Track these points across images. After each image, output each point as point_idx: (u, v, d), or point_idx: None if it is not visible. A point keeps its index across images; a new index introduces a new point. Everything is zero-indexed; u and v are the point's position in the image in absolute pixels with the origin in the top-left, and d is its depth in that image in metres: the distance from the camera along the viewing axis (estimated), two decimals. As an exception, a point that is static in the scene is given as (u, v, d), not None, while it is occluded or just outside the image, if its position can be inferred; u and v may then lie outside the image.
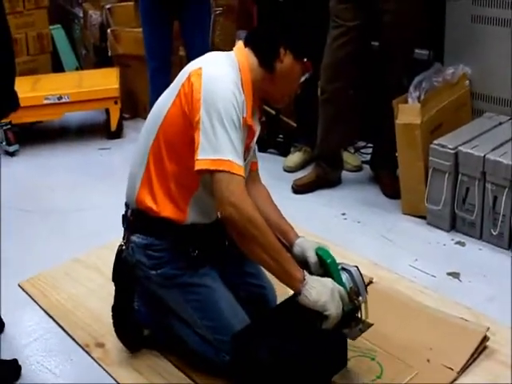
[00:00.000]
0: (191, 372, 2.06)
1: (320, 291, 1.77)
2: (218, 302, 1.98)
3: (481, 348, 2.11)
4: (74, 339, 2.27)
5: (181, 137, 1.86)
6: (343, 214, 3.11)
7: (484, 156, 2.74)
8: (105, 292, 2.37)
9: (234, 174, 1.74)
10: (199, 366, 2.05)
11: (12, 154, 3.94)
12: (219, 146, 1.74)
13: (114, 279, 2.12)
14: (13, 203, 3.23)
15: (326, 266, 1.88)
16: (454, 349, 2.10)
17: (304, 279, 1.78)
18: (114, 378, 2.08)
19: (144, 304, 2.13)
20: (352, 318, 1.88)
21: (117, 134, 4.17)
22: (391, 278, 2.54)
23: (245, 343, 1.88)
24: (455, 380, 2.00)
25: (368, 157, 3.58)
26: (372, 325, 1.90)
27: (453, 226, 2.92)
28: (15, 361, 2.12)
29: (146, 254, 1.99)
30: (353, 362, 2.06)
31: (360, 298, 1.86)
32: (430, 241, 2.86)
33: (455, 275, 2.59)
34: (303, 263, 1.91)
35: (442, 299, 2.40)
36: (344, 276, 1.86)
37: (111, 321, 2.15)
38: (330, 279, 1.82)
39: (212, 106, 1.76)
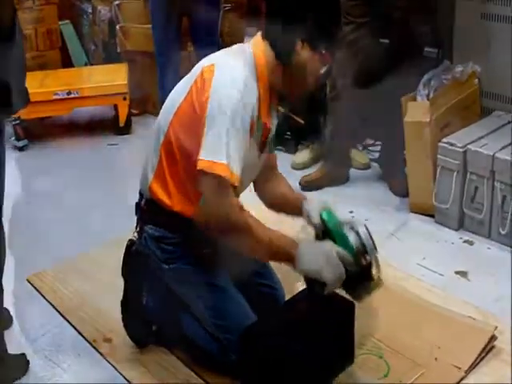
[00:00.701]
0: (198, 369, 2.07)
1: (312, 259, 1.75)
2: (228, 302, 1.99)
3: (488, 347, 2.11)
4: (81, 334, 2.28)
5: (190, 133, 1.85)
6: (351, 212, 3.10)
7: (493, 155, 2.73)
8: (113, 287, 2.37)
9: (224, 179, 1.73)
10: (206, 363, 2.05)
11: (21, 149, 3.96)
12: (219, 149, 1.73)
13: (123, 273, 2.13)
14: (21, 198, 3.24)
15: (328, 230, 1.86)
16: (461, 348, 2.10)
17: (296, 252, 1.77)
18: (121, 374, 2.09)
19: (153, 299, 2.13)
20: (364, 278, 1.84)
21: (125, 130, 4.18)
22: (399, 276, 2.53)
23: (251, 342, 1.88)
24: (463, 379, 2.00)
25: (376, 154, 3.58)
26: (382, 284, 1.87)
27: (461, 224, 2.91)
28: (23, 355, 2.13)
29: (159, 246, 2.00)
30: (360, 359, 2.06)
31: (368, 258, 1.82)
32: (438, 239, 2.85)
33: (463, 274, 2.58)
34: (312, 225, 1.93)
35: (449, 298, 2.39)
36: (351, 236, 1.83)
37: (119, 316, 2.16)
38: (329, 242, 1.81)
39: (219, 107, 1.74)
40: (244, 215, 1.78)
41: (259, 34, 1.92)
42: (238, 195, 1.89)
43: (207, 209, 1.77)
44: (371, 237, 1.85)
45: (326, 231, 1.88)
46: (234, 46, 1.95)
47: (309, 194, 3.24)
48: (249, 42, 1.94)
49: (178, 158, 1.90)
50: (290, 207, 2.10)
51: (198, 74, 1.85)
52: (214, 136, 1.74)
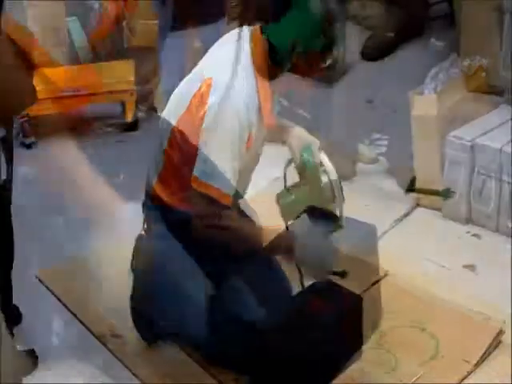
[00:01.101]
0: (207, 364, 2.07)
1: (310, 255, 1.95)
2: (236, 297, 2.00)
3: (496, 341, 2.11)
4: (90, 330, 2.29)
5: (189, 145, 1.89)
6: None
7: (501, 148, 2.72)
8: (122, 283, 2.38)
9: (216, 200, 1.81)
10: (214, 359, 2.06)
11: (29, 147, 3.96)
12: (212, 170, 1.80)
13: (132, 268, 2.14)
14: (28, 196, 3.25)
15: (307, 173, 2.04)
16: (469, 342, 2.10)
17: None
18: (130, 370, 2.10)
19: (161, 295, 2.14)
20: (328, 220, 2.03)
21: (132, 127, 4.18)
22: (406, 270, 2.53)
23: (260, 336, 1.89)
24: (470, 373, 2.01)
25: (383, 149, 3.56)
26: (342, 228, 2.03)
27: (469, 218, 2.90)
28: (33, 351, 2.14)
29: (166, 244, 2.01)
30: (367, 353, 2.06)
31: (333, 205, 2.03)
32: (445, 233, 2.84)
33: (471, 268, 2.58)
34: None
35: (457, 292, 2.39)
36: (324, 180, 2.02)
37: (128, 312, 2.17)
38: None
39: (214, 124, 1.79)
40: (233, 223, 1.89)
41: (258, 26, 1.92)
42: (241, 193, 1.93)
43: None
44: (341, 187, 2.05)
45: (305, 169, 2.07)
46: (231, 47, 1.92)
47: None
48: (248, 34, 1.93)
49: (180, 165, 1.93)
50: (276, 137, 2.14)
51: (196, 89, 1.87)
52: (208, 153, 1.79)
